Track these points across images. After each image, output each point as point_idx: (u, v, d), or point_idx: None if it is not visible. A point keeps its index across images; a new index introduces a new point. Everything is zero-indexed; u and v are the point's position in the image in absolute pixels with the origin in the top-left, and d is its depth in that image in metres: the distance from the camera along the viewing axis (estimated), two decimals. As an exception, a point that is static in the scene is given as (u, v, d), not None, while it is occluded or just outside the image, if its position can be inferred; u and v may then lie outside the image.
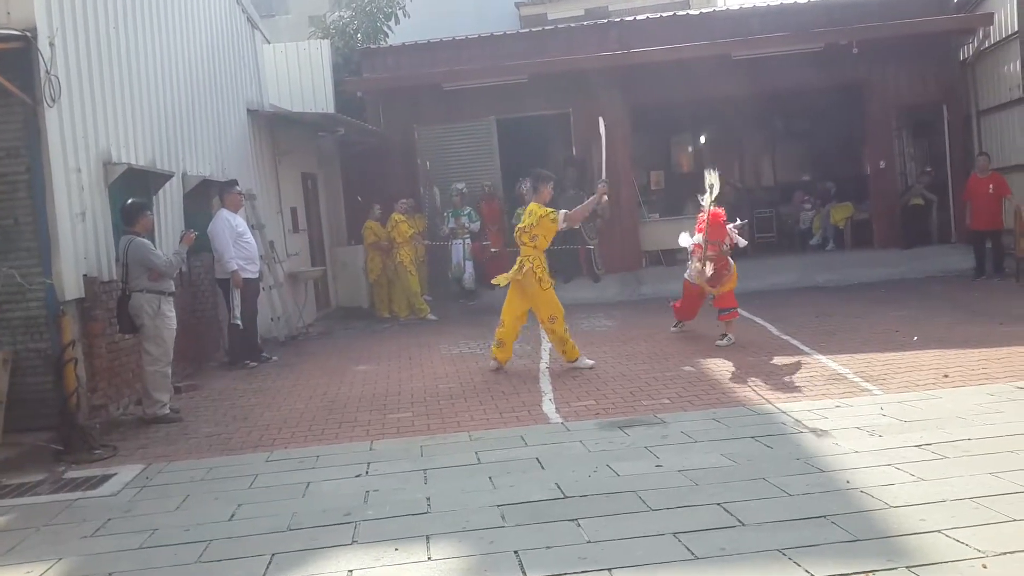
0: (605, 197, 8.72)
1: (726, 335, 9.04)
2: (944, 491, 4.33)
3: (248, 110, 12.15)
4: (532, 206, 8.47)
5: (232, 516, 4.83)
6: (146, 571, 4.11)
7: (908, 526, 3.93)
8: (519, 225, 8.59)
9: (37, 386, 6.94)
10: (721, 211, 9.02)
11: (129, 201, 7.55)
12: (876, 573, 3.45)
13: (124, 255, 7.36)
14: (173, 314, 7.57)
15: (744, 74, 14.68)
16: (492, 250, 14.59)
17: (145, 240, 7.45)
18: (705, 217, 8.96)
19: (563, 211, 8.50)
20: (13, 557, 4.41)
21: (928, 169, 14.99)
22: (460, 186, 14.38)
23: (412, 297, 13.45)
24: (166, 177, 8.97)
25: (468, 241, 14.38)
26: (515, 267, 8.43)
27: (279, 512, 4.82)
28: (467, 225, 14.28)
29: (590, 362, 8.37)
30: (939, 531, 3.83)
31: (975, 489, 4.32)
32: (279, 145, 13.06)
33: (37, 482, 5.77)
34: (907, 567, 3.49)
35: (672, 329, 10.01)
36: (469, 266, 14.38)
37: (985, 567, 3.45)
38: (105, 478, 5.76)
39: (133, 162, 8.32)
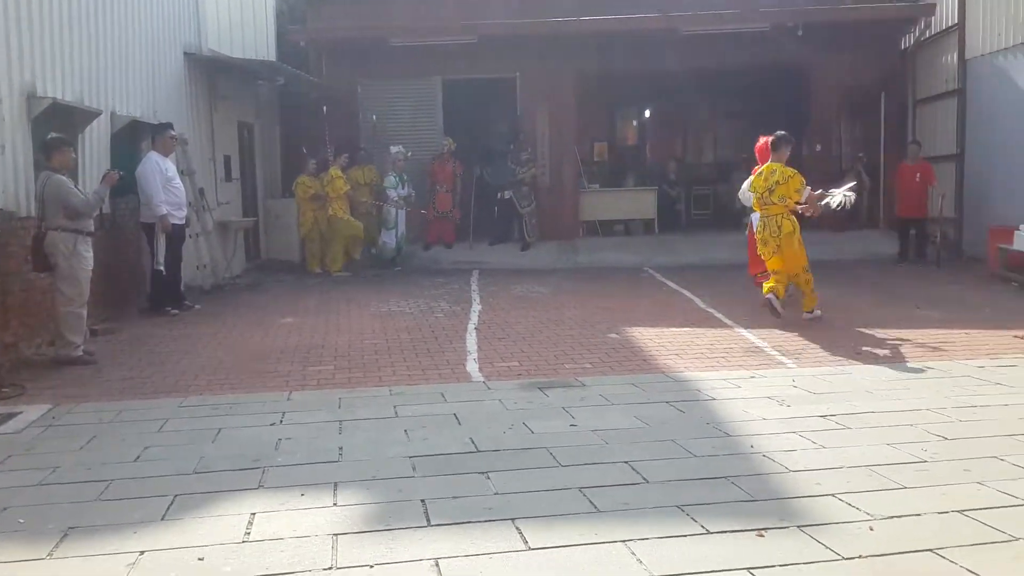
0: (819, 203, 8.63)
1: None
2: (842, 458, 4.47)
3: (185, 53, 11.79)
4: (775, 165, 8.54)
5: (137, 458, 4.76)
6: (44, 507, 4.03)
7: (804, 489, 4.05)
8: (765, 184, 8.53)
9: (-56, 321, 6.73)
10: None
11: (49, 136, 7.30)
12: (768, 531, 3.55)
13: (41, 191, 7.13)
14: (90, 254, 7.34)
15: (692, 50, 14.71)
16: (439, 211, 14.40)
17: (63, 177, 7.21)
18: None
19: (807, 188, 8.57)
20: (-96, 490, 4.28)
21: (861, 155, 15.27)
22: (404, 149, 13.88)
23: (353, 240, 13.22)
24: (93, 115, 8.69)
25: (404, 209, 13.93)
26: (765, 230, 8.56)
27: (187, 456, 4.75)
28: (400, 193, 13.66)
29: (819, 312, 8.61)
30: (832, 495, 3.96)
31: (872, 458, 4.47)
32: (216, 91, 12.72)
33: (-63, 418, 5.60)
34: (798, 527, 3.60)
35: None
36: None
37: (872, 529, 3.57)
38: (9, 416, 5.61)
39: (59, 97, 8.04)
